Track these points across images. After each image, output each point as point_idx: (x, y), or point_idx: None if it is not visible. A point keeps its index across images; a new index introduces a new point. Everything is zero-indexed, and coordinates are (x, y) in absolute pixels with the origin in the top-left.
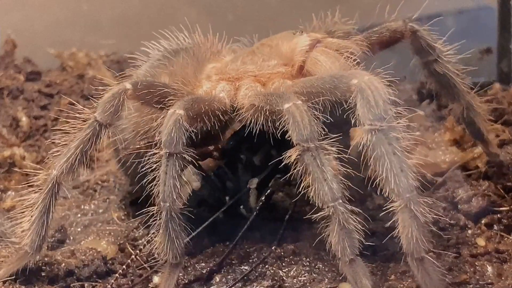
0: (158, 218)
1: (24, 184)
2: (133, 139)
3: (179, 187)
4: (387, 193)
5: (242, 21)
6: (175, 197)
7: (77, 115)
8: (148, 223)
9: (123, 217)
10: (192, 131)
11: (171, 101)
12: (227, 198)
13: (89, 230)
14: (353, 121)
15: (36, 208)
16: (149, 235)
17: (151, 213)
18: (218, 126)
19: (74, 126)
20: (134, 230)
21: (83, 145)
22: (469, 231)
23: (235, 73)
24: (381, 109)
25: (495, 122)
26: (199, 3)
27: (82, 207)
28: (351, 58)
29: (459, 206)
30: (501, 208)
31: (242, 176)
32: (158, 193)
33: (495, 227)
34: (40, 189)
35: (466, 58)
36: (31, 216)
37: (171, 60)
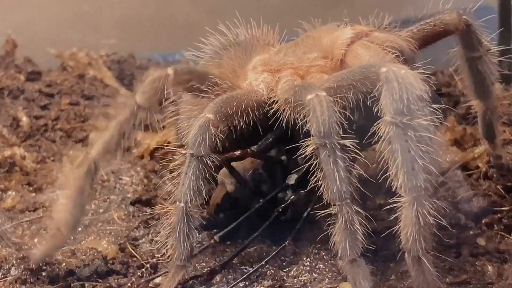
0: (169, 220)
1: (25, 184)
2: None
3: (196, 190)
4: (394, 188)
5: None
6: (190, 199)
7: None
8: (150, 223)
9: (123, 217)
10: (227, 132)
11: (211, 90)
12: (260, 200)
13: (89, 230)
14: (375, 109)
15: (71, 188)
16: (155, 237)
17: (163, 210)
18: (253, 126)
19: (115, 109)
20: (135, 230)
21: (121, 127)
22: (470, 231)
23: (276, 65)
24: (404, 104)
25: None
26: (199, 3)
27: None
28: (394, 52)
29: (459, 206)
30: (501, 208)
31: (279, 178)
32: (175, 192)
33: (496, 227)
34: (77, 168)
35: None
36: (65, 198)
37: (220, 54)
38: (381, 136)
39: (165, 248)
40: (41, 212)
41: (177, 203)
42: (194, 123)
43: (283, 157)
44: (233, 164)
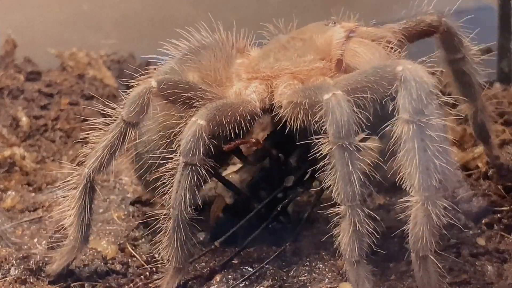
0: (165, 223)
1: (24, 184)
2: (159, 140)
3: (190, 197)
4: (408, 187)
5: (243, 21)
6: (184, 207)
7: (107, 112)
8: (149, 223)
9: (123, 217)
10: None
11: (198, 103)
12: (257, 203)
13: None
14: (390, 108)
15: (74, 207)
16: (155, 237)
17: (160, 216)
18: (245, 131)
19: (104, 123)
20: (134, 230)
21: (111, 145)
22: (470, 231)
23: (269, 71)
24: (423, 103)
25: (495, 122)
26: (199, 3)
27: None
28: (389, 47)
29: (459, 205)
30: (501, 208)
31: (276, 179)
32: (170, 199)
33: (496, 226)
34: (75, 188)
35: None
36: (71, 215)
37: (200, 54)
38: (395, 134)
39: (163, 250)
40: (41, 212)
41: (172, 210)
42: (186, 130)
43: (280, 155)
44: (229, 175)
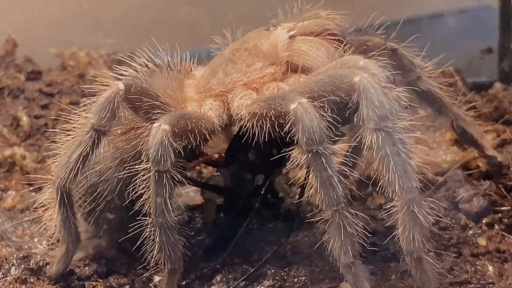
0: (152, 230)
1: (25, 183)
2: (117, 167)
3: (170, 203)
4: (389, 194)
5: (243, 21)
6: (168, 213)
7: (74, 120)
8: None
9: None
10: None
11: (158, 114)
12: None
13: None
14: (355, 119)
15: (57, 217)
16: (146, 242)
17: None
18: (205, 142)
19: (73, 129)
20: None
21: (83, 155)
22: (470, 231)
23: (222, 87)
24: (385, 108)
25: (496, 121)
26: (199, 3)
27: None
28: (333, 38)
29: (460, 205)
30: (502, 208)
31: (247, 178)
32: (150, 209)
33: (496, 226)
34: (52, 198)
35: (467, 57)
36: (56, 225)
37: (153, 76)
38: (366, 145)
39: (156, 255)
40: (41, 212)
41: (155, 218)
42: (151, 136)
43: (240, 156)
44: (212, 176)
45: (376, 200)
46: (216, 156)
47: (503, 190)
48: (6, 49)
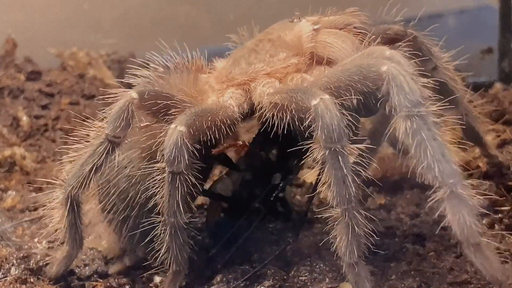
0: (163, 229)
1: (25, 183)
2: (141, 161)
3: (183, 204)
4: (430, 181)
5: (243, 20)
6: (179, 214)
7: (88, 130)
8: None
9: None
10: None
11: (176, 112)
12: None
13: (89, 230)
14: (387, 109)
15: (64, 222)
16: (154, 241)
17: (158, 221)
18: (226, 136)
19: (86, 138)
20: None
21: (95, 165)
22: None
23: (245, 76)
24: (417, 94)
25: (496, 121)
26: (199, 3)
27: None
28: (357, 31)
29: None
30: (502, 208)
31: (263, 177)
32: (163, 208)
33: (497, 226)
34: (61, 204)
35: (467, 57)
36: (62, 229)
37: (168, 74)
38: (400, 134)
39: (163, 255)
40: (41, 212)
41: (167, 217)
42: (167, 138)
43: (262, 153)
44: (220, 179)
45: (376, 200)
46: (241, 143)
47: (503, 190)
48: (6, 49)
